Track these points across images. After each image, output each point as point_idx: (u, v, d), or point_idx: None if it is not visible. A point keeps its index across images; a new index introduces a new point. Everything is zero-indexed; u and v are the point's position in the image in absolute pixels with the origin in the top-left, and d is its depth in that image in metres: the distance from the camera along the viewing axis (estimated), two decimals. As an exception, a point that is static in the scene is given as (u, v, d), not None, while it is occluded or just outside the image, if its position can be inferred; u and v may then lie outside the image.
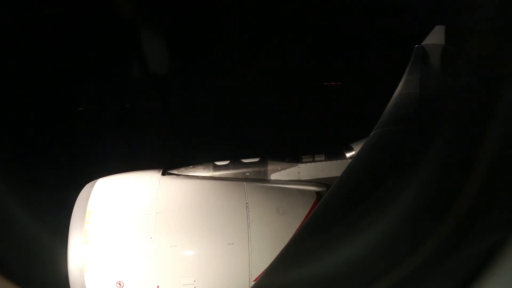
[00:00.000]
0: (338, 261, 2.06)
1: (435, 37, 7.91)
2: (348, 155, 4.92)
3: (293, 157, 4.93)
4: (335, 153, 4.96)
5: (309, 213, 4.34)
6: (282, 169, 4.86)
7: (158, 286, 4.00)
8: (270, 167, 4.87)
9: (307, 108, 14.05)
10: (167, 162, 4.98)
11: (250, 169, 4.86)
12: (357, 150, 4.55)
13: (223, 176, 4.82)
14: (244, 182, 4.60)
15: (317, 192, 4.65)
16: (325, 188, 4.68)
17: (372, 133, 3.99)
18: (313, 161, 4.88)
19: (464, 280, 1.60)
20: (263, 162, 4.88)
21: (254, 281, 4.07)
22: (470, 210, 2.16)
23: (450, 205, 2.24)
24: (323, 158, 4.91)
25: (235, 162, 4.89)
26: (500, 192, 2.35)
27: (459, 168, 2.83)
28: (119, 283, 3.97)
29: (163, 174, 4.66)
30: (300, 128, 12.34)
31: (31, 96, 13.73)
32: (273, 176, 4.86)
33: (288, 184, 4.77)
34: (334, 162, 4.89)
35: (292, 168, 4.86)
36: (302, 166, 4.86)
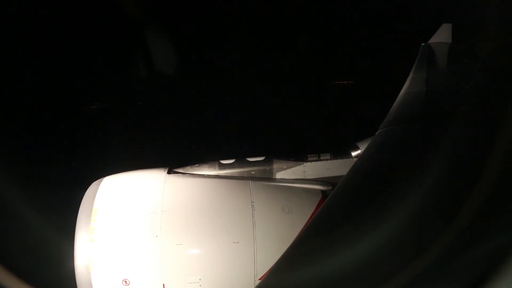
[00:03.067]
0: (343, 261, 2.06)
1: (442, 36, 7.85)
2: (354, 154, 4.91)
3: (298, 156, 4.92)
4: (341, 152, 4.95)
5: (314, 212, 4.34)
6: (287, 168, 4.85)
7: (163, 284, 4.01)
8: (275, 165, 4.86)
9: (315, 107, 14.02)
10: (173, 161, 4.99)
11: (255, 168, 4.86)
12: (363, 149, 4.53)
13: (229, 174, 4.82)
14: (250, 181, 4.60)
15: (322, 191, 4.65)
16: (331, 187, 4.67)
17: (378, 132, 3.98)
18: (319, 160, 4.87)
19: (473, 282, 1.59)
20: (268, 161, 4.88)
21: (259, 280, 4.07)
22: (479, 211, 2.14)
23: (458, 205, 2.22)
24: (329, 157, 4.90)
25: (240, 160, 4.89)
26: (509, 193, 2.33)
27: (467, 168, 2.81)
28: (125, 281, 3.99)
29: (168, 172, 4.67)
30: (308, 127, 12.32)
31: (43, 95, 13.82)
32: (278, 175, 4.86)
33: (293, 183, 4.77)
34: (339, 161, 4.88)
35: (298, 167, 4.85)
36: (307, 165, 4.85)
